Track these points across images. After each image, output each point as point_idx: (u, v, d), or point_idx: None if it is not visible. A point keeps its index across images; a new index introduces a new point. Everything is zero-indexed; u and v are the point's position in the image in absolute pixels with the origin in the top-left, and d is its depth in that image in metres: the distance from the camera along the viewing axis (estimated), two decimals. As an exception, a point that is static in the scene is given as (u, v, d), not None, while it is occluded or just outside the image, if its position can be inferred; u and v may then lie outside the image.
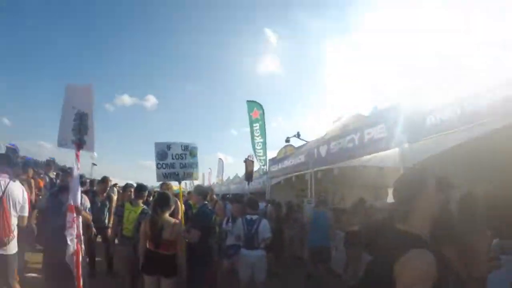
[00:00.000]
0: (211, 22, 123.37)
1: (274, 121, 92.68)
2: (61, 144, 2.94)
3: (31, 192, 4.54)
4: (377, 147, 4.98)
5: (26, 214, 2.75)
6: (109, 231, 4.59)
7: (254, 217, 3.80)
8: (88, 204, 3.12)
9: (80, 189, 2.83)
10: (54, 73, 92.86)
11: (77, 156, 2.82)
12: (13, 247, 2.58)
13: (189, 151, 3.89)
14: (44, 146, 61.90)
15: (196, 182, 6.85)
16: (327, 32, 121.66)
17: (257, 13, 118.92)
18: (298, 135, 9.89)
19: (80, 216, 2.73)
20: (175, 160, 3.82)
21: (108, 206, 4.74)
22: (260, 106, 10.65)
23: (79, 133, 2.82)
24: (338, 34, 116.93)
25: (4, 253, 2.49)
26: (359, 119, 6.38)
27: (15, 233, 2.60)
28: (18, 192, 2.68)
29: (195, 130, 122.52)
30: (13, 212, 2.57)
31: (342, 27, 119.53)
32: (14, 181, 2.74)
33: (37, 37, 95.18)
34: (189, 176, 3.93)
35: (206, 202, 3.53)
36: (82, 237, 2.74)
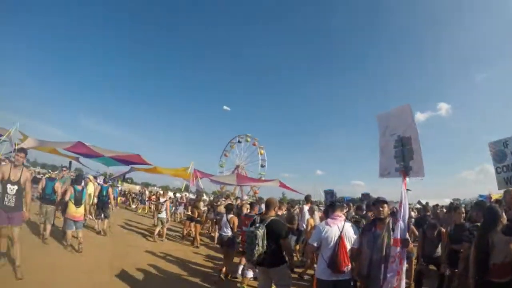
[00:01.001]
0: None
1: None
2: (382, 174, 2.92)
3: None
4: None
5: (355, 246, 3.09)
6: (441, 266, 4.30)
7: None
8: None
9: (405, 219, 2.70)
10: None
11: (404, 184, 2.72)
12: (348, 274, 2.98)
13: None
14: (357, 184, 78.53)
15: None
16: None
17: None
18: None
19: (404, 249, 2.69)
20: None
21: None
22: None
23: (403, 160, 2.70)
24: None
25: (343, 278, 2.87)
26: None
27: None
28: (350, 229, 3.09)
29: (504, 121, 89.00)
30: (348, 246, 2.97)
31: None
32: (347, 221, 3.11)
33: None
34: None
35: None
36: (403, 271, 2.75)
